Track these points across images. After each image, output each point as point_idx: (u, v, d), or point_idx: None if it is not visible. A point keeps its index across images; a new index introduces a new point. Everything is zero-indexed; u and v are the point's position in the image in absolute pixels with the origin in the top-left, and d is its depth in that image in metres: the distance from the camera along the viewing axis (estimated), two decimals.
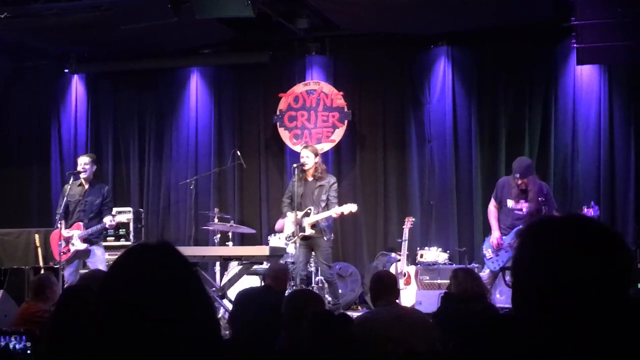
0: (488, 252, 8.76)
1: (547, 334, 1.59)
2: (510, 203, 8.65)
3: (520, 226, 8.40)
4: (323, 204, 9.09)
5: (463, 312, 5.19)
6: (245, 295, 6.22)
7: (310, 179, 9.25)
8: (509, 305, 9.10)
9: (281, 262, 8.60)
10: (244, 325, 5.82)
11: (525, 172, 8.55)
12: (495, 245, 8.64)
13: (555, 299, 1.59)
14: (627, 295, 1.62)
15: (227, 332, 5.97)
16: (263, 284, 6.49)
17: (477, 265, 9.22)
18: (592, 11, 8.59)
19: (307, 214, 9.05)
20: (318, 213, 9.05)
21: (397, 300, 5.13)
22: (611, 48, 9.17)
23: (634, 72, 10.22)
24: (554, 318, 1.59)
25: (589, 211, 8.59)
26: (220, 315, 8.06)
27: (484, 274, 8.69)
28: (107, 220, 9.19)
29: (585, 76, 10.42)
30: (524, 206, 8.58)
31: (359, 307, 10.34)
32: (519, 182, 8.55)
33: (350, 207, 9.09)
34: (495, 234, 8.69)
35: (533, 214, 8.49)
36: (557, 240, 1.64)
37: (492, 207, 8.90)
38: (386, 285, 5.19)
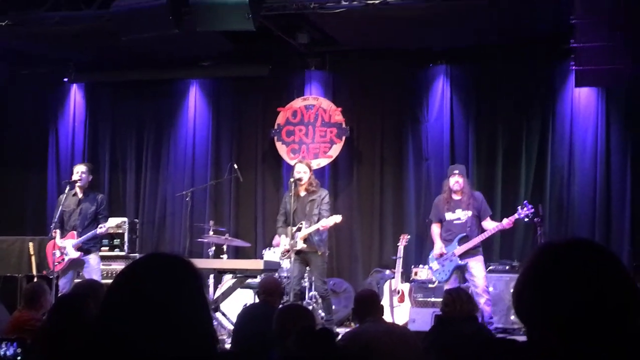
0: (434, 264, 9.10)
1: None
2: (448, 215, 9.05)
3: (463, 234, 8.85)
4: (315, 218, 9.08)
5: (457, 334, 5.20)
6: (247, 310, 6.41)
7: (303, 193, 9.24)
8: (502, 326, 9.13)
9: (275, 276, 8.59)
10: (243, 338, 5.87)
11: (462, 170, 9.15)
12: (438, 255, 9.00)
13: (582, 327, 1.58)
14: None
15: (227, 345, 6.02)
16: (258, 300, 6.52)
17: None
18: (591, 34, 8.61)
19: (299, 229, 9.05)
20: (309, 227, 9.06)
21: (382, 317, 5.22)
22: (610, 71, 9.19)
23: (632, 96, 10.25)
24: (581, 345, 1.58)
25: (523, 211, 8.78)
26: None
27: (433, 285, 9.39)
28: (99, 227, 9.17)
29: (583, 98, 10.45)
30: (461, 215, 8.98)
31: (352, 324, 10.29)
32: (456, 179, 8.96)
33: (335, 219, 9.09)
34: (437, 245, 9.08)
35: (471, 220, 8.93)
36: (580, 267, 1.64)
37: (434, 227, 9.26)
38: (371, 303, 5.31)
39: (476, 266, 8.84)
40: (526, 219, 8.90)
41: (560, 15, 9.05)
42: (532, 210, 8.80)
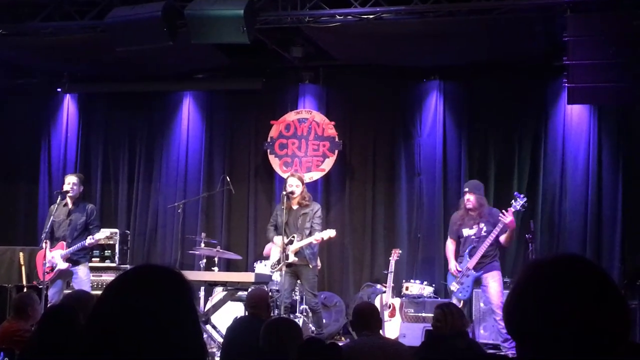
0: (453, 286, 8.90)
1: None
2: (466, 232, 8.91)
3: (472, 246, 8.75)
4: (307, 232, 9.07)
5: (448, 349, 5.19)
6: (236, 323, 6.34)
7: (295, 206, 9.22)
8: (492, 341, 9.12)
9: (265, 288, 8.56)
10: (233, 351, 5.85)
11: (472, 187, 8.95)
12: (455, 273, 8.84)
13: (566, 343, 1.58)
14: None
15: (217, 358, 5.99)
16: (246, 313, 6.50)
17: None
18: (584, 51, 8.65)
19: (291, 242, 9.03)
20: (301, 240, 9.04)
21: (380, 331, 5.16)
22: (602, 88, 9.23)
23: (624, 113, 10.30)
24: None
25: (517, 203, 8.71)
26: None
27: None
28: (88, 239, 9.13)
29: (575, 115, 10.49)
30: (477, 230, 8.84)
31: (343, 338, 10.28)
32: (466, 197, 8.86)
33: (329, 233, 9.07)
34: (451, 264, 8.95)
35: (488, 235, 8.73)
36: (569, 284, 1.65)
37: (449, 243, 9.15)
38: (368, 316, 5.25)
39: (491, 282, 8.72)
40: (522, 209, 8.85)
41: (553, 32, 9.10)
42: (525, 199, 8.75)
